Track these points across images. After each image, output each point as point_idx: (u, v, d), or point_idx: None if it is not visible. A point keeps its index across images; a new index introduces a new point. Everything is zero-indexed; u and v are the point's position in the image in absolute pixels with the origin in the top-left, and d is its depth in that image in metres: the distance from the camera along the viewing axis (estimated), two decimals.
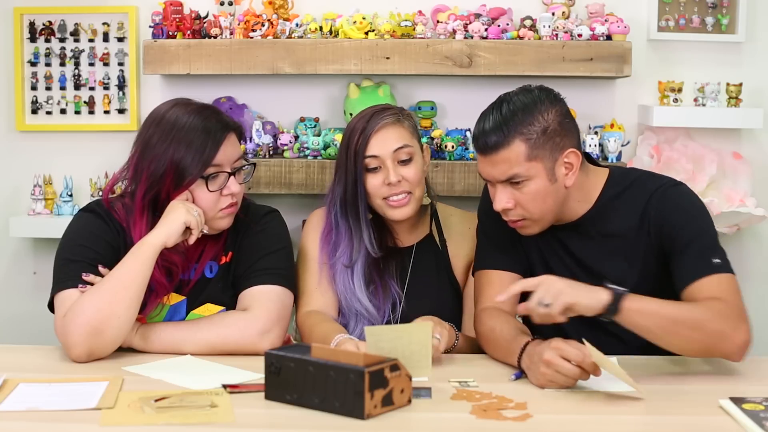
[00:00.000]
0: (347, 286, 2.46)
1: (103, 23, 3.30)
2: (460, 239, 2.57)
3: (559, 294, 2.00)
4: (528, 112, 2.19)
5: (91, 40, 3.31)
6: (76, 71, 3.32)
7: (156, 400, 1.89)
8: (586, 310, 2.00)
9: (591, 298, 2.00)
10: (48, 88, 3.33)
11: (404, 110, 2.55)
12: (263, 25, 3.09)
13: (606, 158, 3.17)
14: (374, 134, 2.44)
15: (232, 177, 2.30)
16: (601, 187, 2.31)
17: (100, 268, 2.25)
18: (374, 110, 2.49)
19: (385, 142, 2.44)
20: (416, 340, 2.01)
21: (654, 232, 2.25)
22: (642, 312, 2.03)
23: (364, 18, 3.13)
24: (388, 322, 2.47)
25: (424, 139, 2.82)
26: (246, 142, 3.11)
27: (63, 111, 3.33)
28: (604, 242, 2.30)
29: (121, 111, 3.32)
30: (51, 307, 2.26)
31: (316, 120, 3.26)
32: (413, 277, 2.54)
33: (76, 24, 3.30)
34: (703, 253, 2.18)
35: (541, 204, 2.23)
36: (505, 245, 2.38)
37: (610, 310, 2.00)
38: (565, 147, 2.22)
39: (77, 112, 3.33)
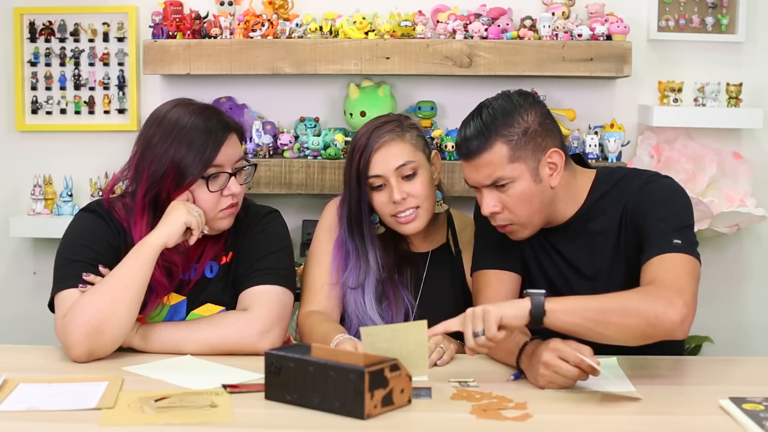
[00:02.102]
0: (359, 306, 2.44)
1: (103, 23, 3.30)
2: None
3: (483, 314, 1.98)
4: (508, 115, 2.21)
5: (91, 40, 3.31)
6: (76, 71, 3.32)
7: (156, 400, 1.89)
8: (515, 319, 1.98)
9: (514, 308, 1.99)
10: (48, 88, 3.33)
11: (407, 119, 2.50)
12: (263, 25, 3.09)
13: (606, 158, 3.18)
14: (375, 153, 2.40)
15: (232, 177, 2.30)
16: (588, 189, 2.32)
17: (101, 268, 2.25)
18: (375, 125, 2.45)
19: (387, 161, 2.40)
20: (413, 339, 2.00)
21: (631, 223, 2.25)
22: (567, 310, 2.00)
23: (364, 18, 3.13)
24: None
25: None
26: (246, 142, 3.11)
27: (63, 111, 3.33)
28: (592, 241, 2.31)
29: (121, 111, 3.32)
30: (51, 307, 2.26)
31: (316, 120, 3.26)
32: (427, 285, 2.52)
33: (76, 24, 3.31)
34: (665, 233, 2.15)
35: (528, 205, 2.23)
36: (501, 245, 2.38)
37: (536, 315, 1.98)
38: (548, 147, 2.23)
39: (77, 112, 3.33)
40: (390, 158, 2.41)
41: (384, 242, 2.49)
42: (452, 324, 2.03)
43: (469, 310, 2.01)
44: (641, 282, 2.12)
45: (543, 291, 2.00)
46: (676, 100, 3.18)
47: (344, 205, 2.47)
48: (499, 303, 2.04)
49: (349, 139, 3.16)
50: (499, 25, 3.13)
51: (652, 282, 2.08)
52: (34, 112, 3.33)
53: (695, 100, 3.21)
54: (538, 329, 2.11)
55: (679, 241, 2.13)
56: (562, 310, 2.00)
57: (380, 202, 2.43)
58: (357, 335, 2.38)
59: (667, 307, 2.00)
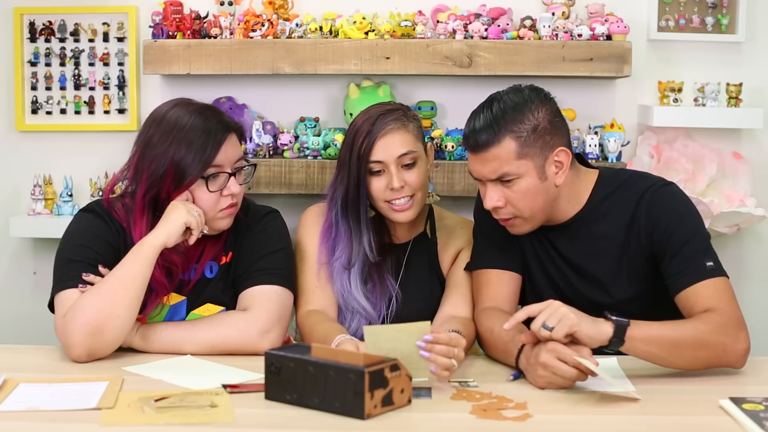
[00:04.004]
0: (344, 286, 2.47)
1: (103, 23, 3.30)
2: (449, 234, 2.58)
3: (562, 318, 1.98)
4: (518, 110, 2.20)
5: (91, 40, 3.31)
6: (76, 71, 3.32)
7: (156, 400, 1.89)
8: (589, 339, 1.98)
9: (593, 329, 1.99)
10: (48, 88, 3.33)
11: (409, 110, 2.53)
12: (263, 25, 3.09)
13: (606, 158, 3.18)
14: (379, 139, 2.42)
15: (232, 177, 2.30)
16: (591, 189, 2.32)
17: (101, 268, 2.25)
18: (379, 111, 2.47)
19: (389, 148, 2.43)
20: (416, 340, 2.01)
21: (645, 234, 2.25)
22: (644, 340, 2.02)
23: (364, 18, 3.13)
24: (384, 319, 2.47)
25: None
26: (246, 142, 3.11)
27: (63, 111, 3.33)
28: (594, 243, 2.31)
29: (121, 111, 3.32)
30: (51, 307, 2.26)
31: (316, 120, 3.26)
32: (406, 274, 2.55)
33: (76, 24, 3.30)
34: (696, 257, 2.18)
35: (531, 202, 2.23)
36: (502, 244, 2.38)
37: (614, 343, 2.00)
38: (556, 145, 2.22)
39: (77, 112, 3.33)
40: (393, 146, 2.43)
41: (375, 226, 2.51)
42: (534, 308, 2.03)
43: (555, 303, 2.02)
44: (688, 310, 2.15)
45: (627, 320, 2.00)
46: (676, 100, 3.18)
47: (339, 186, 2.49)
48: (581, 315, 2.01)
49: None
50: (499, 25, 3.13)
51: (709, 311, 2.11)
52: (34, 112, 3.33)
53: (695, 100, 3.21)
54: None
55: (712, 263, 2.18)
56: (640, 338, 2.02)
57: (377, 187, 2.45)
58: (356, 333, 2.40)
59: (734, 340, 2.08)
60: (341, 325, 2.44)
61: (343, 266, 2.47)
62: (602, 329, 1.99)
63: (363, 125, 2.45)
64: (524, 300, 2.43)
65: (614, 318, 2.00)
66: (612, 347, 2.01)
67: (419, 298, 2.50)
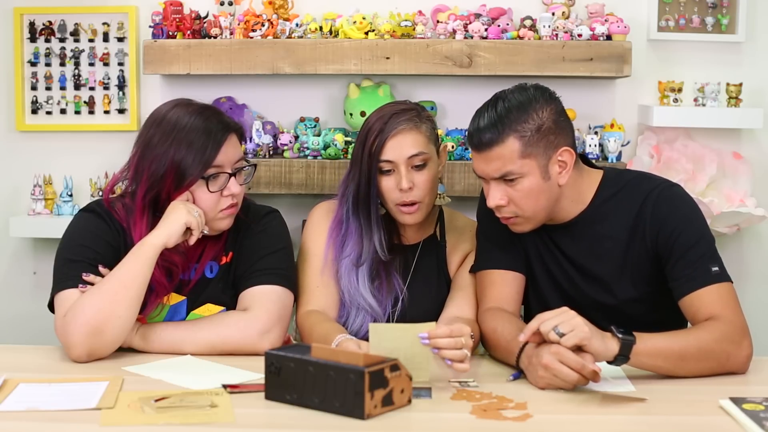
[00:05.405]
0: (352, 283, 2.46)
1: (103, 23, 3.31)
2: (458, 237, 2.58)
3: (576, 328, 1.97)
4: (523, 109, 2.20)
5: (91, 40, 3.31)
6: (76, 71, 3.32)
7: (156, 400, 1.89)
8: (596, 354, 1.98)
9: (602, 345, 1.98)
10: (48, 88, 3.33)
11: (423, 110, 2.51)
12: (263, 25, 3.09)
13: (606, 158, 3.18)
14: (390, 138, 2.41)
15: (232, 178, 2.30)
16: (595, 189, 2.32)
17: (101, 268, 2.25)
18: (393, 111, 2.46)
19: (401, 148, 2.42)
20: (419, 341, 2.00)
21: (650, 236, 2.25)
22: (650, 354, 2.02)
23: (364, 18, 3.13)
24: (389, 317, 2.47)
25: None
26: (246, 142, 3.11)
27: (63, 111, 3.33)
28: (598, 244, 2.30)
29: (121, 111, 3.32)
30: (51, 307, 2.26)
31: (316, 120, 3.26)
32: (415, 275, 2.54)
33: (76, 24, 3.31)
34: (702, 261, 2.18)
35: (534, 202, 2.23)
36: (505, 245, 2.38)
37: (620, 360, 2.00)
38: (560, 145, 2.22)
39: (77, 112, 3.34)
40: (404, 146, 2.42)
41: (385, 225, 2.51)
42: (548, 315, 2.02)
43: (570, 312, 2.00)
44: (692, 315, 2.16)
45: (633, 338, 1.99)
46: (676, 100, 3.18)
47: (351, 183, 2.48)
48: (595, 330, 1.99)
49: (349, 139, 3.16)
50: (499, 25, 3.13)
51: (712, 318, 2.12)
52: (34, 112, 3.33)
53: (695, 100, 3.21)
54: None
55: (717, 268, 2.18)
56: (645, 353, 2.02)
57: (386, 186, 2.45)
58: (360, 330, 2.40)
59: (737, 348, 2.09)
60: (345, 322, 2.44)
61: (353, 263, 2.47)
62: (609, 346, 1.99)
63: (375, 124, 2.45)
64: (527, 300, 2.43)
65: (621, 336, 1.99)
66: (617, 363, 2.00)
67: (427, 300, 2.50)
